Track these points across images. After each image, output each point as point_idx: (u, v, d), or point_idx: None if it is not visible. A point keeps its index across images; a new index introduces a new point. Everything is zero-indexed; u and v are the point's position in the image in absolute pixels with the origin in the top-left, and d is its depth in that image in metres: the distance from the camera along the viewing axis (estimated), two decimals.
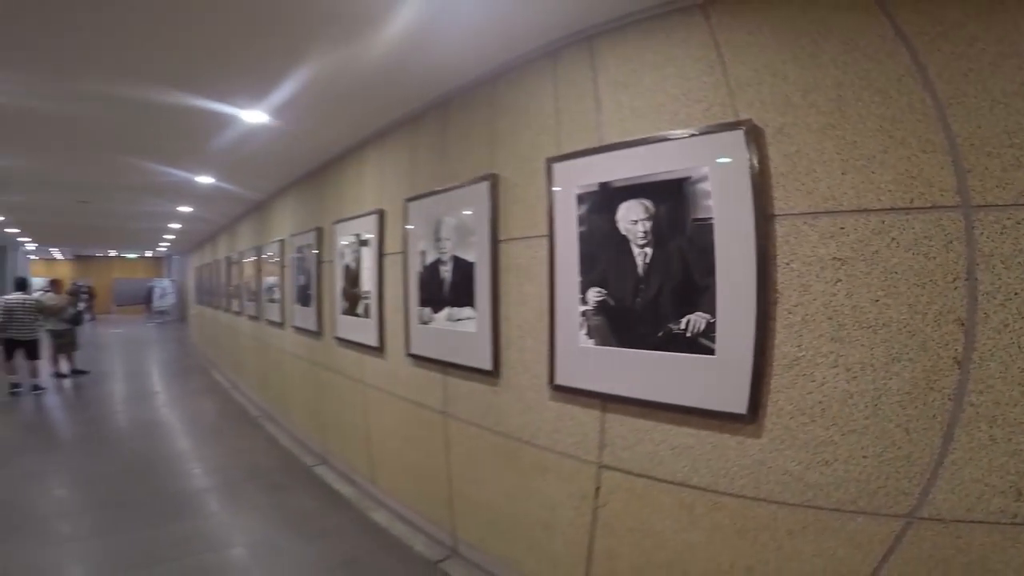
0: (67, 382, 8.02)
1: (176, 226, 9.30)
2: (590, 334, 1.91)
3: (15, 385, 7.01)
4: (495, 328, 2.32)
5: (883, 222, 1.38)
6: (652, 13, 1.85)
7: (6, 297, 7.30)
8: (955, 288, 1.30)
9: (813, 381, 1.49)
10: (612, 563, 2.06)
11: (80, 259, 22.12)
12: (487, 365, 2.35)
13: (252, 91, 2.72)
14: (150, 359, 11.27)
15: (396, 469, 3.43)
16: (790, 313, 1.52)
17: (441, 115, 2.85)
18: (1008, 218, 1.26)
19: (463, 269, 2.50)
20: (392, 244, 3.21)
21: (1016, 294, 1.25)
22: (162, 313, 20.22)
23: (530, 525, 2.39)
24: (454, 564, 2.84)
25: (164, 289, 20.64)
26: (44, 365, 7.86)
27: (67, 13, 1.90)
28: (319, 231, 4.33)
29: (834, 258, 1.45)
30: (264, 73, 2.49)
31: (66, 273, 21.08)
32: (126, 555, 2.88)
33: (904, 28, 1.39)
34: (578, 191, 1.95)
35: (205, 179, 5.08)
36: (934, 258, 1.33)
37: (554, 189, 2.05)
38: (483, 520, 2.70)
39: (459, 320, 2.52)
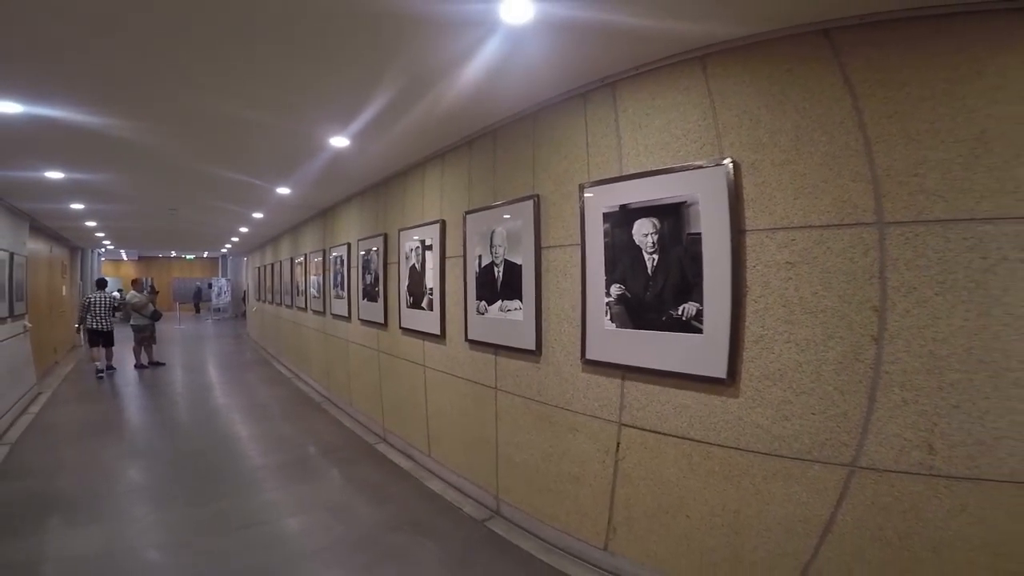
0: (147, 372, 9.09)
1: (244, 230, 10.25)
2: (612, 319, 2.51)
3: (99, 370, 8.53)
4: (538, 316, 2.94)
5: (822, 235, 1.92)
6: (662, 64, 2.37)
7: (89, 295, 8.85)
8: (871, 284, 1.82)
9: (773, 353, 2.03)
10: (629, 509, 2.56)
11: (143, 259, 23.62)
12: (531, 346, 2.97)
13: (338, 119, 3.26)
14: (215, 352, 12.33)
15: (450, 441, 4.03)
16: (755, 302, 2.07)
17: (491, 142, 3.45)
18: (910, 231, 1.76)
19: (512, 270, 3.12)
20: (452, 249, 3.85)
21: (915, 288, 1.75)
22: (218, 310, 21.58)
23: (563, 480, 2.91)
24: (497, 522, 3.38)
25: (221, 288, 21.96)
26: (119, 352, 9.31)
27: (184, 56, 2.34)
28: (385, 236, 5.02)
29: (787, 262, 1.99)
30: (349, 105, 3.01)
31: (131, 273, 22.78)
32: (232, 518, 3.47)
33: (851, 75, 1.86)
34: (604, 210, 2.54)
35: (283, 190, 5.83)
36: (857, 261, 1.85)
37: (585, 209, 2.64)
38: (523, 480, 3.23)
39: (509, 311, 3.14)
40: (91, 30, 2.06)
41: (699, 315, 2.19)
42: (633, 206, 2.42)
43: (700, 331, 2.19)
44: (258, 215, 7.97)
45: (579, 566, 2.81)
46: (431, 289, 4.09)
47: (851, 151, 1.87)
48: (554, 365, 2.91)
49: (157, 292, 11.37)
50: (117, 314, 8.89)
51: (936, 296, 1.72)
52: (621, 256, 2.47)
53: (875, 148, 1.82)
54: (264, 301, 12.49)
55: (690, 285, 2.22)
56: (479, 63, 2.43)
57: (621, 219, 2.47)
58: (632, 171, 2.47)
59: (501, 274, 3.22)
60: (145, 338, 9.35)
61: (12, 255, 6.33)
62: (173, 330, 16.49)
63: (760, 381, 2.07)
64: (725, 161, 2.11)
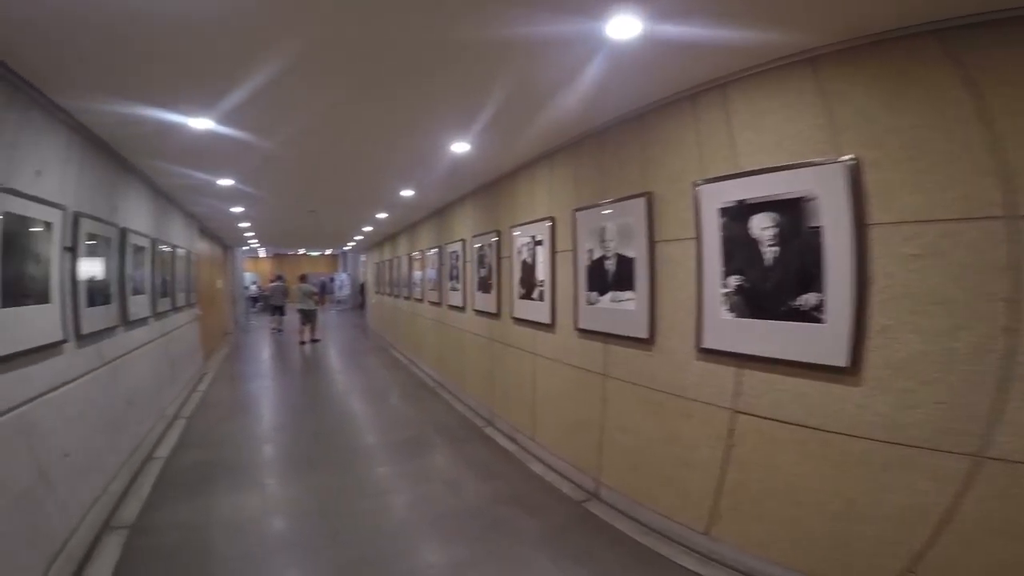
0: (306, 347, 11.50)
1: (368, 228, 11.27)
2: (731, 309, 2.62)
3: (276, 329, 14.30)
4: (651, 306, 3.11)
5: (948, 228, 1.93)
6: (771, 66, 2.46)
7: (271, 283, 14.47)
8: (1003, 276, 1.81)
9: (898, 342, 2.06)
10: (738, 494, 2.66)
11: (277, 256, 26.44)
12: (644, 334, 3.15)
13: (459, 128, 3.60)
14: (342, 339, 13.72)
15: (554, 426, 4.30)
16: (880, 293, 2.10)
17: (597, 142, 3.65)
18: None
19: (624, 262, 3.32)
20: (562, 243, 4.11)
21: None
22: (340, 302, 23.68)
23: (668, 465, 3.04)
24: (595, 503, 3.59)
25: (342, 281, 24.05)
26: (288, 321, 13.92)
27: (334, 85, 2.92)
28: (498, 233, 5.40)
29: (912, 254, 2.01)
30: (469, 117, 3.32)
31: (267, 268, 25.55)
32: (366, 485, 4.01)
33: (974, 75, 1.87)
34: (719, 206, 2.66)
35: (406, 192, 6.43)
36: (986, 254, 1.84)
37: (700, 204, 2.77)
38: (625, 464, 3.40)
39: (621, 301, 3.34)
40: (278, 71, 2.56)
41: (820, 306, 2.26)
42: (750, 201, 2.52)
43: (820, 321, 2.26)
44: (382, 215, 8.77)
45: (676, 549, 2.93)
46: (542, 281, 4.38)
47: (974, 147, 1.87)
48: (667, 353, 3.06)
49: (317, 291, 13.78)
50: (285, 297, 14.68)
51: None
52: (738, 249, 2.58)
53: (1004, 144, 1.81)
54: (383, 294, 13.62)
55: (810, 276, 2.29)
56: (586, 75, 2.63)
57: (738, 213, 2.58)
58: (747, 168, 2.56)
59: (613, 266, 3.42)
60: (308, 320, 12.07)
61: (189, 252, 7.59)
62: None
63: (883, 370, 2.10)
64: (845, 158, 2.16)
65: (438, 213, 8.02)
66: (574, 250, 3.87)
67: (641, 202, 3.17)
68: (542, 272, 4.39)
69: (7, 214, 2.42)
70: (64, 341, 3.01)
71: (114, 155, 4.12)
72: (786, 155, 2.41)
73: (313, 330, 12.22)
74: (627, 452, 3.39)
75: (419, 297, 9.19)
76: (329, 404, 6.87)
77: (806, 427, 2.36)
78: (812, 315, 2.29)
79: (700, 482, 2.85)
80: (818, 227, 2.26)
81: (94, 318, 3.52)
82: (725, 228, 2.65)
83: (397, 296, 11.41)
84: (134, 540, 3.12)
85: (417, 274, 9.34)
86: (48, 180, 2.88)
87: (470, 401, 6.38)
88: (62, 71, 2.50)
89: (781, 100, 2.44)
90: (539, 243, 4.44)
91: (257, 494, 3.89)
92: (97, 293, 3.61)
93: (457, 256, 6.82)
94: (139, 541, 3.12)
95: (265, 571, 2.86)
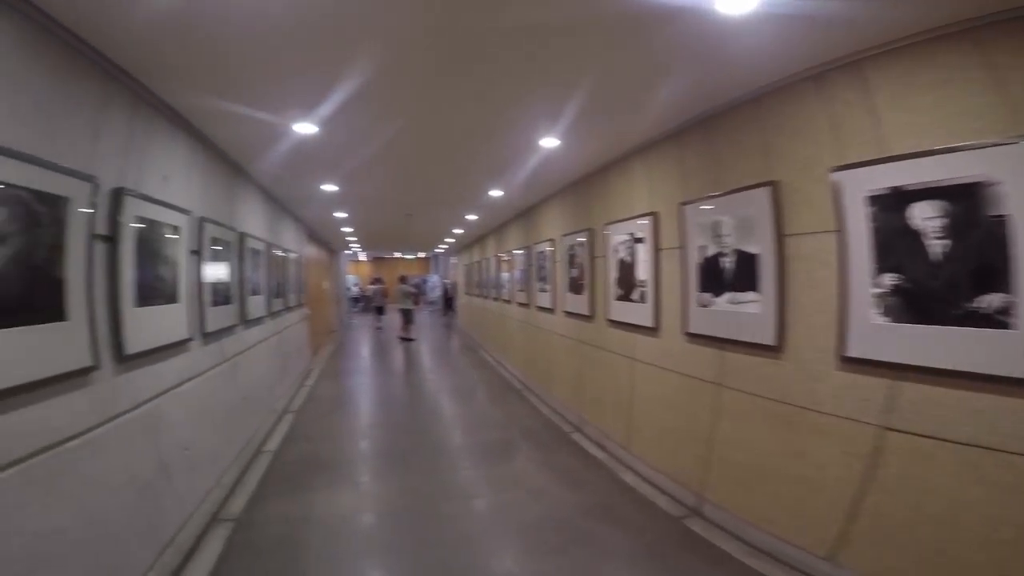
0: (404, 345, 12.12)
1: (459, 231, 11.49)
2: (884, 312, 2.24)
3: (378, 327, 15.50)
4: (780, 309, 2.76)
5: None
6: (917, 39, 2.13)
7: (370, 285, 16.88)
8: None
9: None
10: (878, 518, 2.31)
11: (375, 259, 27.93)
12: (770, 340, 2.80)
13: (548, 120, 3.45)
14: (434, 338, 14.13)
15: (651, 435, 4.03)
16: None
17: (705, 130, 3.37)
18: None
19: (745, 260, 2.98)
20: (667, 240, 3.82)
21: None
22: (431, 303, 24.50)
23: (788, 483, 2.74)
24: (695, 521, 3.30)
25: (434, 284, 24.88)
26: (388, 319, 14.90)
27: (431, 85, 2.92)
28: (590, 231, 5.19)
29: None
30: (558, 107, 3.16)
31: (366, 271, 26.98)
32: (452, 488, 3.97)
33: None
34: (866, 194, 2.28)
35: (495, 192, 6.41)
36: None
37: (841, 193, 2.40)
38: (735, 480, 3.11)
39: (741, 303, 3.01)
40: (374, 71, 2.57)
41: (1007, 308, 1.84)
42: (908, 188, 2.13)
43: (1008, 326, 1.84)
44: (471, 216, 8.86)
45: (790, 572, 2.66)
46: (643, 281, 4.11)
47: None
48: (798, 362, 2.71)
49: (414, 292, 14.54)
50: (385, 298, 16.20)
51: None
52: (894, 242, 2.20)
53: None
54: (472, 295, 13.85)
55: (993, 274, 1.87)
56: (689, 53, 2.40)
57: (891, 203, 2.19)
58: (899, 152, 2.18)
59: (732, 264, 3.10)
60: (408, 319, 12.96)
61: (299, 256, 8.09)
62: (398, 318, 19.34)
63: None
64: None
65: (524, 214, 7.96)
66: (682, 247, 3.57)
67: (764, 192, 2.83)
68: (643, 271, 4.12)
69: (141, 219, 2.60)
70: (190, 339, 3.22)
71: (231, 163, 4.40)
72: (949, 136, 2.04)
73: (410, 329, 12.93)
74: (740, 468, 3.11)
75: (507, 298, 9.18)
76: (420, 402, 7.03)
77: (980, 447, 1.98)
78: (997, 319, 1.88)
79: (827, 503, 2.55)
80: (1002, 216, 1.85)
81: (217, 317, 3.76)
82: (875, 219, 2.26)
83: (485, 297, 11.52)
84: (237, 534, 3.25)
85: (505, 275, 9.34)
86: (175, 186, 3.09)
87: (557, 405, 6.23)
88: (178, 76, 2.64)
89: (934, 76, 2.10)
90: (639, 240, 4.17)
91: (351, 491, 4.00)
92: (219, 294, 3.86)
93: (545, 256, 6.69)
94: (242, 535, 3.24)
95: (353, 573, 2.90)
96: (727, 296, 3.12)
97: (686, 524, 3.29)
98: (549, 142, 3.98)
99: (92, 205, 2.15)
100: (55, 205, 1.93)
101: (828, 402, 2.55)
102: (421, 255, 27.09)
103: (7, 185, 1.69)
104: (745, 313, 2.98)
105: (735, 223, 3.06)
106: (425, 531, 3.30)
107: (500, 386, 7.88)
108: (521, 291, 8.09)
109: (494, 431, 5.55)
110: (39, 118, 1.89)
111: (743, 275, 2.99)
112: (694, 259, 3.42)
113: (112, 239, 2.36)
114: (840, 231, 2.42)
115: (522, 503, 3.71)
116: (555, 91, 2.93)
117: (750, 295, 2.94)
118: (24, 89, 1.82)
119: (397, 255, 26.63)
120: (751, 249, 2.94)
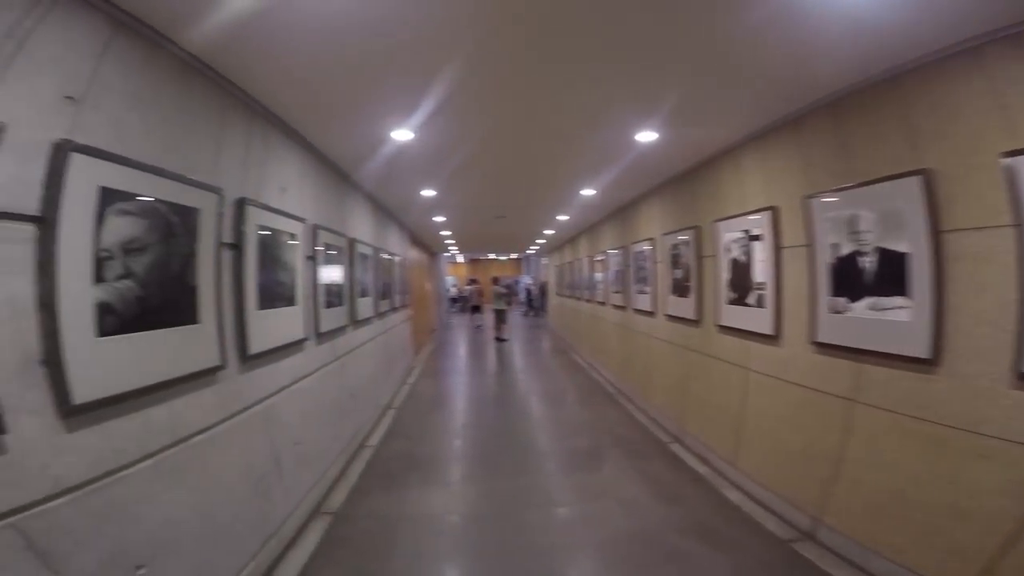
0: (497, 345, 12.35)
1: (550, 232, 11.41)
2: None
3: (476, 326, 16.21)
4: (937, 316, 2.35)
5: None
6: None
7: (467, 286, 17.10)
8: None
9: None
10: None
11: (472, 261, 28.72)
12: (924, 353, 2.39)
13: (642, 112, 3.26)
14: (526, 339, 14.24)
15: (765, 452, 3.66)
16: None
17: (831, 115, 3.00)
18: None
19: (890, 259, 2.58)
20: (790, 238, 3.43)
21: None
22: (522, 303, 24.67)
23: (931, 511, 2.41)
24: (807, 545, 2.97)
25: (524, 285, 25.06)
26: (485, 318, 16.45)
27: (521, 83, 2.83)
28: (697, 229, 4.84)
29: None
30: (654, 96, 2.99)
31: (463, 272, 27.81)
32: (535, 495, 3.89)
33: None
34: None
35: (587, 191, 6.23)
36: None
37: (1018, 180, 1.99)
38: (863, 503, 2.78)
39: (885, 309, 2.61)
40: (470, 70, 2.54)
41: None
42: None
43: None
44: (563, 217, 8.75)
45: None
46: (761, 284, 3.74)
47: None
48: (958, 377, 2.30)
49: (509, 291, 15.08)
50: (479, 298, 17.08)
51: None
52: None
53: None
54: (564, 296, 13.71)
55: None
56: (819, 24, 2.10)
57: None
58: None
59: (872, 265, 2.70)
60: (501, 319, 13.25)
61: (403, 259, 8.45)
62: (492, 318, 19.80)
63: None
64: None
65: (620, 212, 7.67)
66: (809, 245, 3.19)
67: (914, 182, 2.43)
68: (761, 273, 3.75)
69: (262, 227, 2.77)
70: (305, 339, 3.41)
71: (339, 172, 4.64)
72: None
73: (503, 329, 13.19)
74: (871, 490, 2.76)
75: (601, 300, 8.92)
76: (511, 403, 7.05)
77: None
78: None
79: (977, 536, 2.22)
80: None
81: (330, 318, 3.97)
82: None
83: (578, 299, 11.32)
84: (335, 527, 3.37)
85: (598, 276, 9.09)
86: (290, 195, 3.28)
87: (653, 413, 5.93)
88: (289, 92, 2.78)
89: None
90: (755, 238, 3.81)
91: (442, 491, 4.06)
92: (332, 296, 4.07)
93: (644, 256, 6.38)
94: (338, 529, 3.35)
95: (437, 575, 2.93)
96: (867, 301, 2.72)
97: (796, 548, 3.01)
98: (646, 136, 3.77)
99: (219, 215, 2.30)
100: (187, 216, 2.08)
101: (996, 424, 2.14)
102: (513, 256, 27.42)
103: (147, 198, 1.84)
104: (890, 321, 2.58)
105: (876, 218, 2.66)
106: (508, 537, 3.26)
107: (592, 390, 7.70)
108: (617, 293, 7.82)
109: (584, 437, 5.39)
110: (168, 133, 2.04)
111: (888, 277, 2.59)
112: (824, 259, 3.04)
113: (237, 246, 2.53)
114: (1019, 225, 2.00)
115: (610, 515, 3.54)
116: (652, 76, 2.72)
117: (897, 300, 2.53)
118: (153, 106, 1.95)
119: (491, 256, 27.15)
120: (898, 247, 2.53)
